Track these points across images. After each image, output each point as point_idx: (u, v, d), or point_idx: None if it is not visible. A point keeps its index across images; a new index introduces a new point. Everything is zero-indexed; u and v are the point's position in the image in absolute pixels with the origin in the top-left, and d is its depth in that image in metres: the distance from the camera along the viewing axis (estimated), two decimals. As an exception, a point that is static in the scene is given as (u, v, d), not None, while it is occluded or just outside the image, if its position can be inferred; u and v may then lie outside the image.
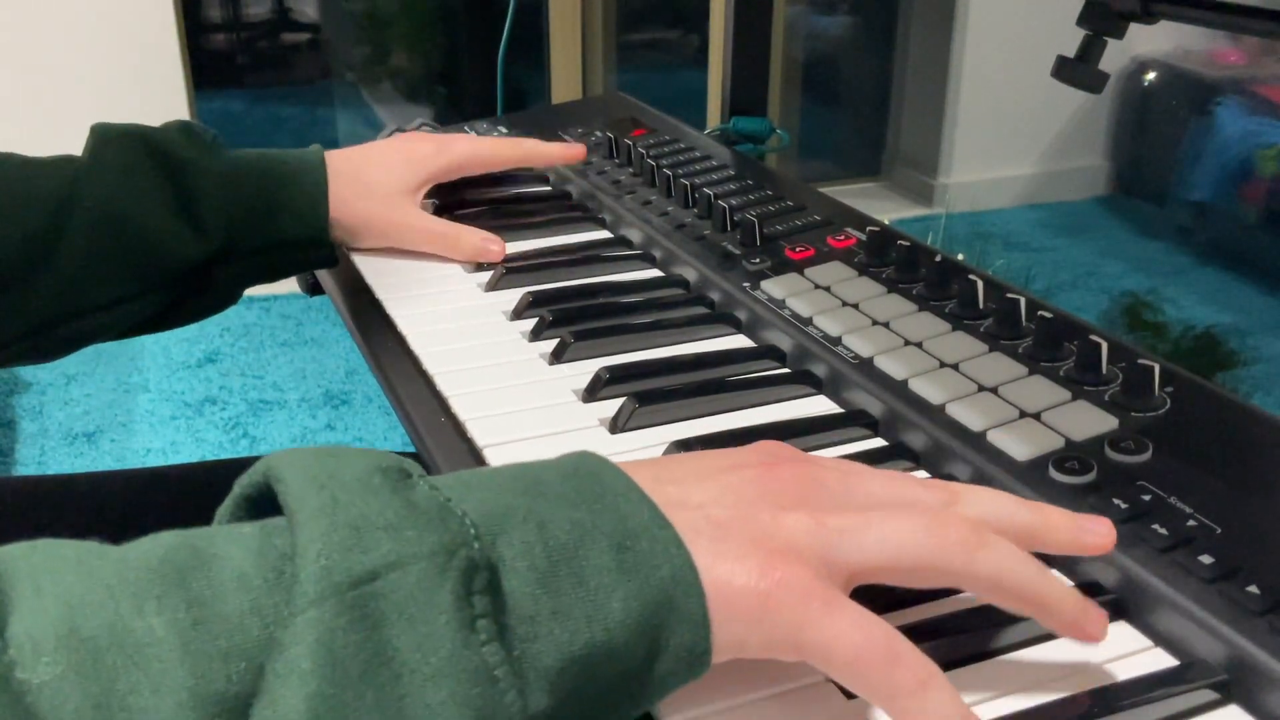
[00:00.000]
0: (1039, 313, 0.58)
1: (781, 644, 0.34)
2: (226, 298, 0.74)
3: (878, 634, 0.34)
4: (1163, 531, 0.43)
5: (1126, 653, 0.41)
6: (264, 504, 0.33)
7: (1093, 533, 0.40)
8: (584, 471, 0.36)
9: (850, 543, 0.36)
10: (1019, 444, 0.50)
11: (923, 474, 0.52)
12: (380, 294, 0.72)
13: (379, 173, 0.76)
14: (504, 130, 0.99)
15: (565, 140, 0.94)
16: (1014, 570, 0.37)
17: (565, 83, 2.52)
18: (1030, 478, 0.48)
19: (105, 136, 0.68)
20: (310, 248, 0.73)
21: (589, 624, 0.32)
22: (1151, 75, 3.10)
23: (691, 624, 0.34)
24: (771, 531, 0.36)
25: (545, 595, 0.32)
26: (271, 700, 0.28)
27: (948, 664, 0.39)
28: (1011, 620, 0.40)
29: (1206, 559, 0.42)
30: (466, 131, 0.99)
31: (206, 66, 3.03)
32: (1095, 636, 0.38)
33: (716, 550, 0.35)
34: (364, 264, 0.76)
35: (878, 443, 0.55)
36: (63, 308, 0.66)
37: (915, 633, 0.36)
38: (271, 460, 0.33)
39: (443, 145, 0.79)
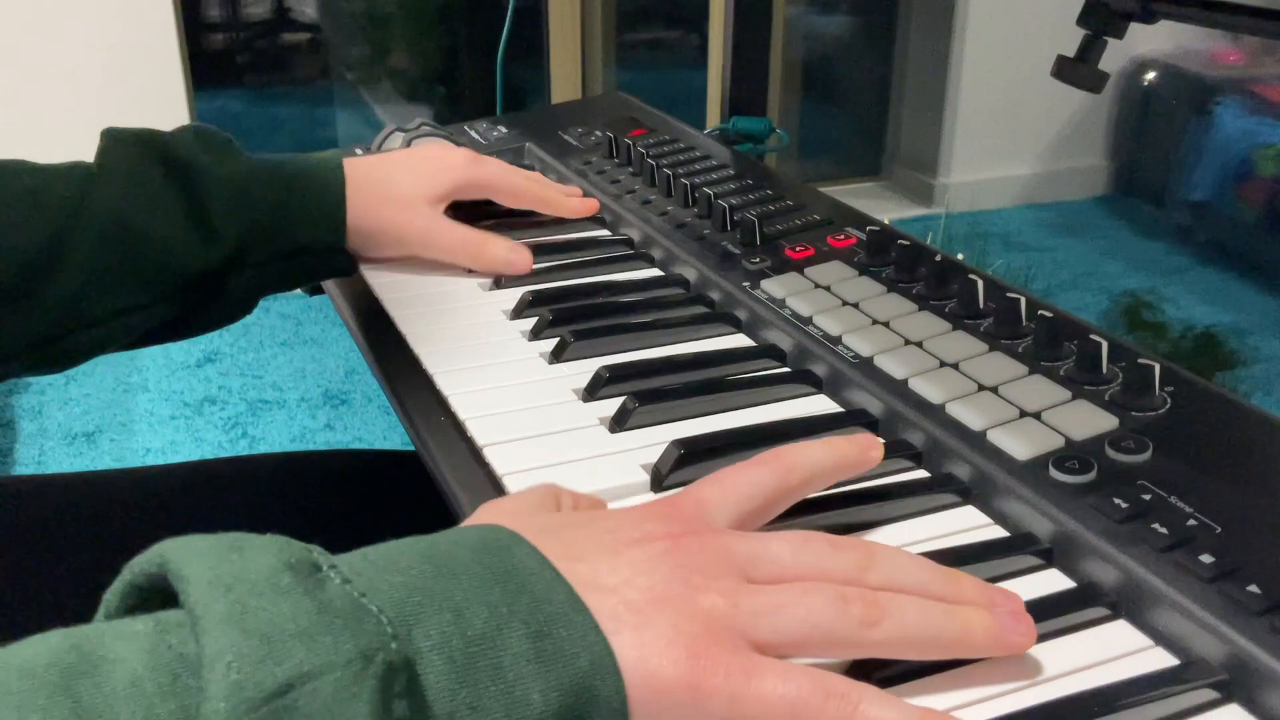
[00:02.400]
0: (1039, 312, 0.58)
1: None
2: (241, 307, 0.71)
3: (804, 682, 0.35)
4: (1162, 531, 0.43)
5: (1126, 652, 0.41)
6: (156, 589, 0.31)
7: (1014, 631, 0.39)
8: (495, 546, 0.35)
9: (764, 625, 0.37)
10: (1019, 443, 0.50)
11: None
12: (380, 293, 0.72)
13: (401, 178, 0.73)
14: (503, 130, 0.99)
15: (562, 154, 0.94)
16: (920, 628, 0.37)
17: (565, 82, 2.52)
18: (1030, 477, 0.48)
19: (115, 141, 0.66)
20: (327, 255, 0.71)
21: (507, 717, 0.32)
22: (1151, 75, 3.10)
23: (610, 712, 0.33)
24: (689, 613, 0.36)
25: (463, 690, 0.31)
26: None
27: (947, 665, 0.39)
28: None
29: (1206, 558, 0.42)
30: (467, 131, 0.99)
31: (206, 66, 3.03)
32: (1022, 647, 0.39)
33: (641, 641, 0.35)
34: (364, 263, 0.76)
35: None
36: (72, 317, 0.64)
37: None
38: (168, 552, 0.31)
39: (475, 159, 0.76)
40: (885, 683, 0.38)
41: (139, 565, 0.31)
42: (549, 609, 0.34)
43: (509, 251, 0.73)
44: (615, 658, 0.34)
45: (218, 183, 0.67)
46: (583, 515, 0.41)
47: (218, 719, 0.27)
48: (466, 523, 0.40)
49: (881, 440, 0.48)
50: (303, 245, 0.69)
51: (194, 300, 0.68)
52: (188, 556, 0.30)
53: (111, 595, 0.32)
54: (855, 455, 0.46)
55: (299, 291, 0.83)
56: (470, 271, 0.74)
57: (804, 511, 0.46)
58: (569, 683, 0.33)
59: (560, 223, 0.82)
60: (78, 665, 0.28)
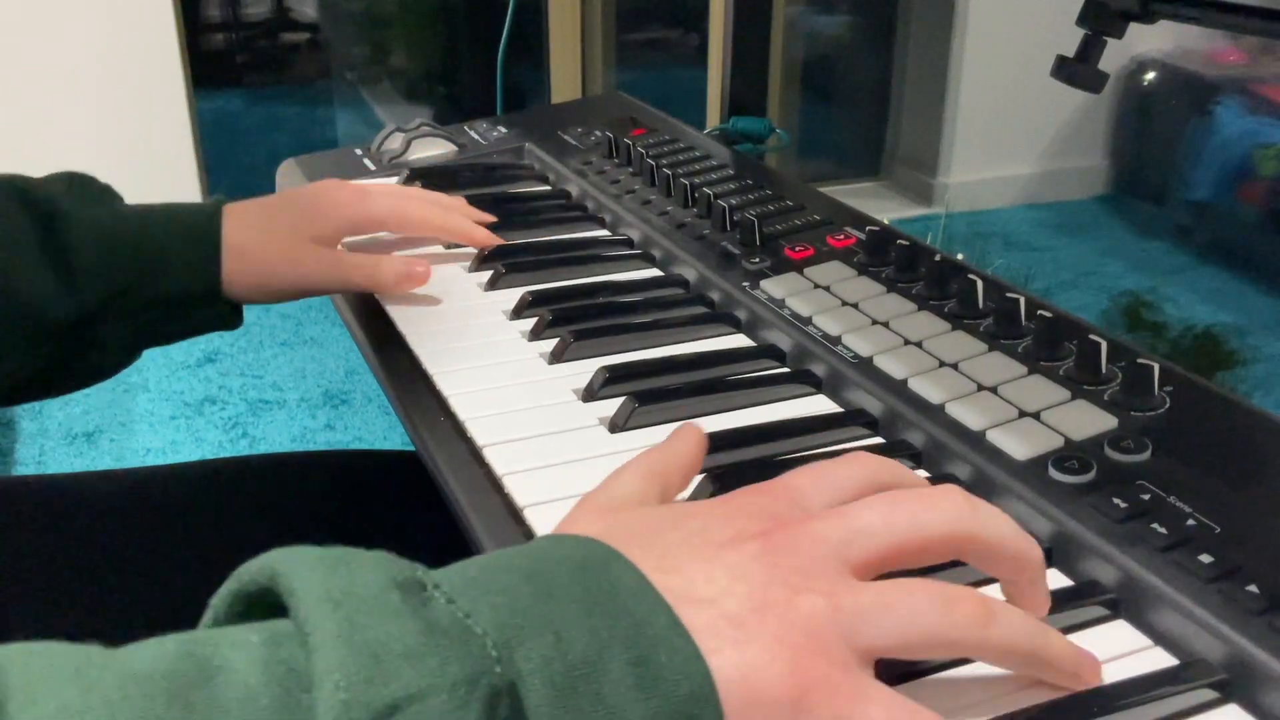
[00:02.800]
0: (1038, 312, 0.58)
1: None
2: (116, 362, 0.69)
3: (906, 716, 0.34)
4: (1162, 531, 0.44)
5: (1126, 652, 0.41)
6: (262, 596, 0.32)
7: (1090, 665, 0.39)
8: (592, 563, 0.35)
9: (867, 626, 0.36)
10: (1018, 443, 0.50)
11: (923, 473, 0.52)
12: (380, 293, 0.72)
13: (283, 220, 0.70)
14: (503, 130, 0.99)
15: (562, 154, 0.94)
16: (1022, 639, 0.37)
17: (565, 82, 2.52)
18: (1030, 477, 0.48)
19: None
20: (203, 304, 0.68)
21: None
22: (1151, 75, 3.10)
23: None
24: (790, 620, 0.35)
25: (565, 715, 0.31)
26: None
27: (948, 664, 0.39)
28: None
29: (1206, 558, 0.42)
30: (467, 131, 0.99)
31: (206, 66, 3.03)
32: (1092, 683, 0.39)
33: (743, 659, 0.34)
34: (363, 263, 0.76)
35: (877, 441, 0.55)
36: None
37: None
38: (278, 564, 0.31)
39: (360, 196, 0.73)
40: (890, 683, 0.38)
41: (247, 574, 0.32)
42: (649, 633, 0.33)
43: (406, 265, 0.70)
44: (715, 685, 0.33)
45: (83, 228, 0.65)
46: (674, 514, 0.40)
47: None
48: (565, 522, 0.41)
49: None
50: (175, 295, 0.67)
51: (63, 351, 0.66)
52: (297, 569, 0.31)
53: (219, 601, 0.32)
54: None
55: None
56: (472, 270, 0.75)
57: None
58: (669, 711, 0.32)
59: (560, 222, 0.82)
60: (193, 675, 0.28)
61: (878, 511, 0.38)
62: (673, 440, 0.45)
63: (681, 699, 0.33)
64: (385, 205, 0.73)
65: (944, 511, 0.38)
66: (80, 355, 0.66)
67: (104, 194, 0.68)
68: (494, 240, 0.76)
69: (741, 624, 0.35)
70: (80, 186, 0.67)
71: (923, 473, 0.52)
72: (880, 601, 0.36)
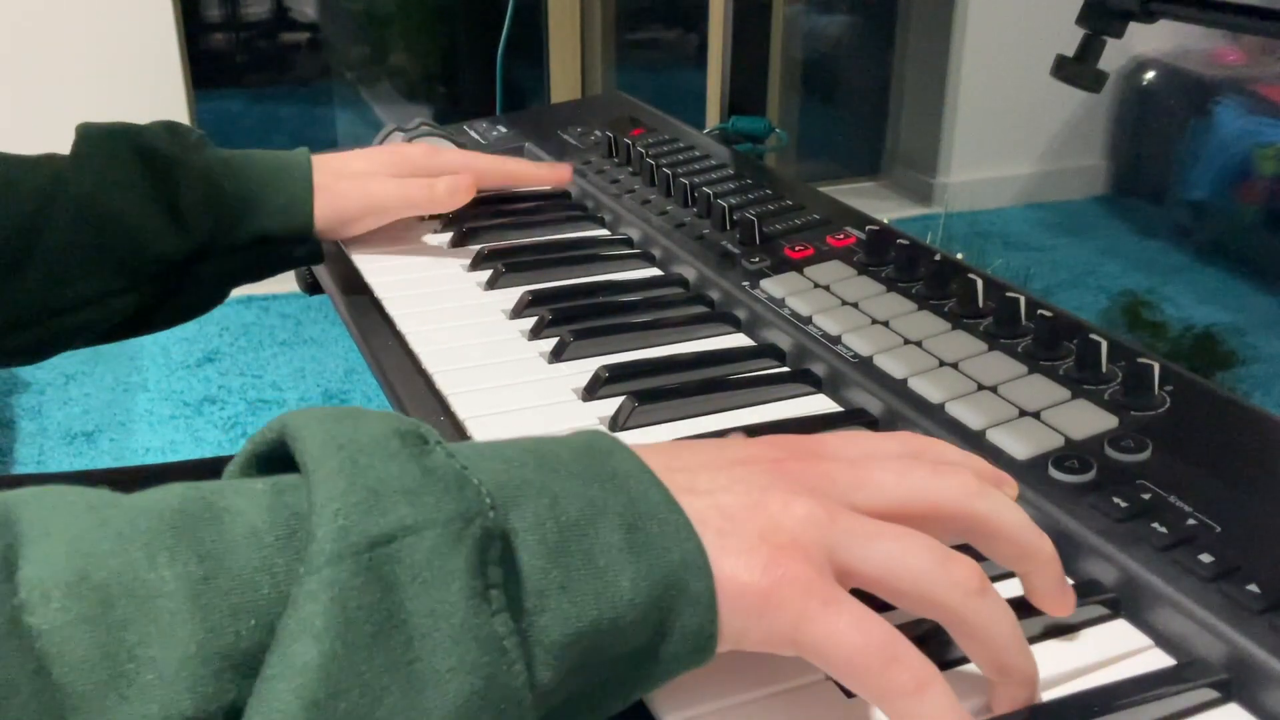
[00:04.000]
0: (1038, 311, 0.58)
1: (780, 639, 0.35)
2: (212, 296, 0.74)
3: (876, 634, 0.34)
4: (1162, 530, 0.43)
5: (1126, 652, 0.41)
6: (275, 461, 0.33)
7: (1068, 595, 0.40)
8: (597, 450, 0.37)
9: (856, 545, 0.36)
10: (1018, 443, 0.50)
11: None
12: (379, 293, 0.72)
13: (362, 163, 0.77)
14: (503, 129, 0.99)
15: (561, 154, 0.94)
16: (998, 632, 0.36)
17: (564, 82, 2.52)
18: (1030, 476, 0.48)
19: (89, 134, 0.69)
20: (294, 243, 0.73)
21: (597, 601, 0.32)
22: (1150, 74, 3.10)
23: (699, 607, 0.34)
24: (780, 521, 0.36)
25: (555, 570, 0.32)
26: (284, 655, 0.28)
27: (948, 662, 0.39)
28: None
29: (1206, 558, 0.42)
30: (466, 131, 0.99)
31: (206, 66, 3.03)
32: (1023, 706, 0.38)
33: (723, 544, 0.35)
34: (363, 262, 0.76)
35: (877, 442, 0.55)
36: (45, 303, 0.66)
37: (914, 630, 0.36)
38: (287, 419, 0.33)
39: (433, 151, 0.80)
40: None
41: (259, 435, 0.33)
42: (642, 506, 0.35)
43: (455, 180, 0.77)
44: (707, 555, 0.34)
45: (189, 172, 0.69)
46: (693, 440, 0.42)
47: (322, 558, 0.29)
48: None
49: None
50: (270, 233, 0.72)
51: (165, 288, 0.71)
52: (306, 420, 0.32)
53: (233, 466, 0.34)
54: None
55: (299, 291, 0.84)
56: (471, 269, 0.75)
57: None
58: (660, 574, 0.34)
59: (560, 221, 0.82)
60: (202, 513, 0.30)
61: (891, 469, 0.39)
62: None
63: (672, 564, 0.34)
64: (456, 156, 0.81)
65: (954, 485, 0.39)
66: (177, 293, 0.72)
67: (201, 140, 0.73)
68: (568, 172, 0.84)
69: (731, 516, 0.36)
70: (181, 134, 0.72)
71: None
72: (878, 529, 0.37)
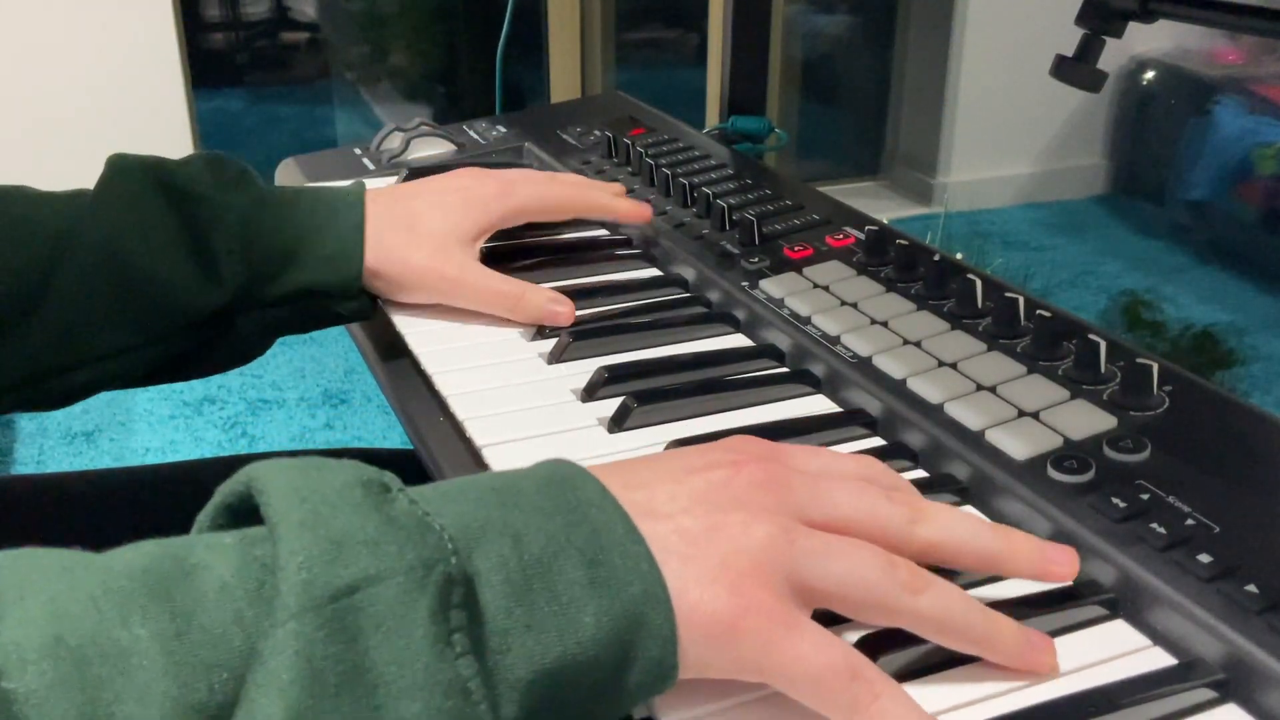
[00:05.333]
0: (1037, 312, 0.58)
1: (748, 667, 0.36)
2: (252, 349, 0.67)
3: (837, 655, 0.35)
4: (1161, 530, 0.44)
5: (1125, 651, 0.41)
6: (244, 512, 0.33)
7: (1056, 562, 0.41)
8: (558, 479, 0.37)
9: (813, 565, 0.37)
10: (1017, 443, 0.50)
11: (921, 472, 0.52)
12: (379, 293, 0.72)
13: (432, 217, 0.67)
14: (502, 129, 0.99)
15: (561, 154, 0.94)
16: (957, 613, 0.38)
17: (564, 81, 2.52)
18: (1029, 477, 0.48)
19: (117, 169, 0.62)
20: (341, 299, 0.65)
21: (560, 637, 0.33)
22: (1150, 74, 3.10)
23: (660, 640, 0.35)
24: (741, 545, 0.37)
25: (518, 609, 0.33)
26: (250, 711, 0.28)
27: (948, 663, 0.39)
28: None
29: (1205, 558, 0.42)
30: (466, 131, 0.99)
31: (205, 65, 3.03)
32: (1043, 668, 0.39)
33: (686, 573, 0.36)
34: (363, 263, 0.76)
35: (876, 442, 0.55)
36: (62, 354, 0.60)
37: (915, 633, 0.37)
38: (253, 471, 0.33)
39: (507, 188, 0.71)
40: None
41: (228, 486, 0.33)
42: (604, 538, 0.35)
43: (550, 303, 0.66)
44: (667, 588, 0.35)
45: (225, 214, 0.62)
46: (656, 454, 0.42)
47: (286, 612, 0.29)
48: None
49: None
50: (315, 287, 0.64)
51: (198, 341, 0.64)
52: (271, 472, 0.33)
53: (203, 517, 0.34)
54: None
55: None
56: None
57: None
58: (620, 609, 0.34)
59: (559, 222, 0.82)
60: (173, 571, 0.30)
61: (847, 488, 0.40)
62: None
63: (633, 598, 0.34)
64: (530, 194, 0.72)
65: (897, 513, 0.40)
66: (216, 343, 0.65)
67: (242, 177, 0.65)
68: (646, 210, 0.75)
69: (694, 541, 0.37)
70: (218, 169, 0.64)
71: (921, 473, 0.52)
72: (828, 546, 0.38)
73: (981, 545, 0.40)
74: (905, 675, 0.39)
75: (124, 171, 0.62)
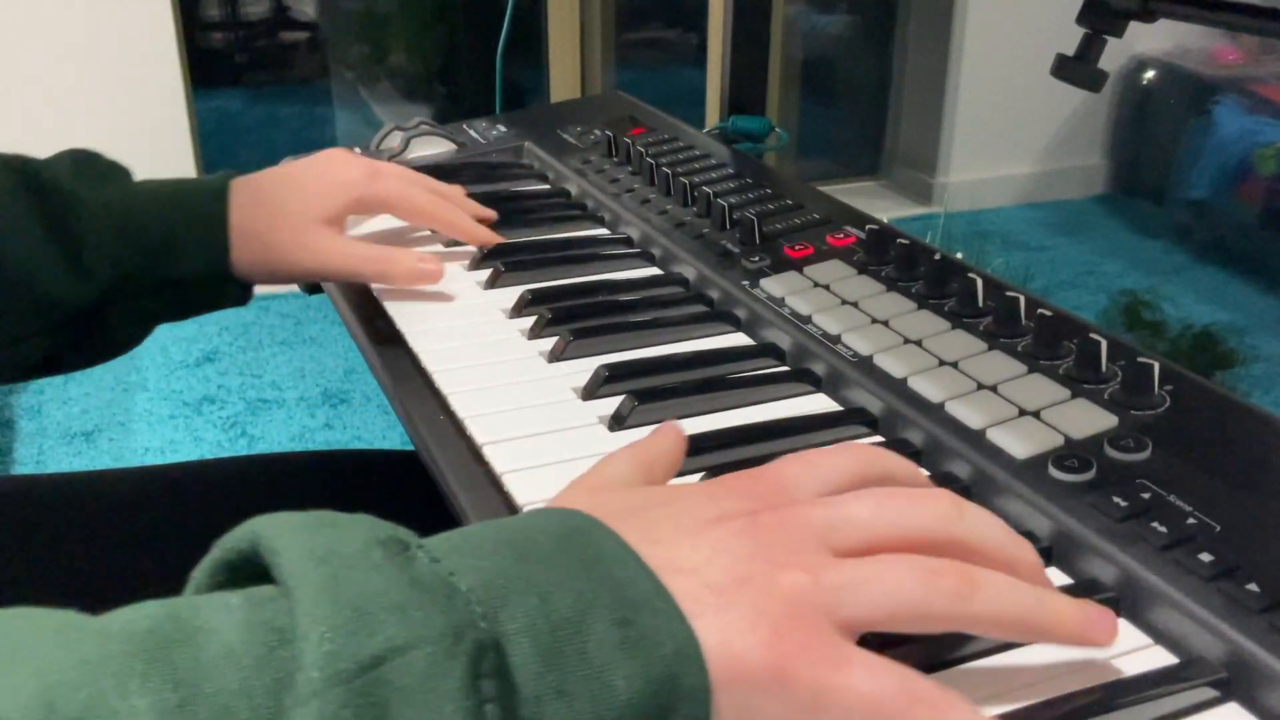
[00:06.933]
0: (1038, 311, 0.58)
1: (800, 712, 0.34)
2: (127, 339, 0.69)
3: (892, 681, 0.34)
4: (1162, 529, 0.43)
5: (1126, 650, 0.41)
6: (244, 569, 0.32)
7: (1100, 621, 0.39)
8: (574, 531, 0.35)
9: (849, 600, 0.36)
10: (1018, 442, 0.50)
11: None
12: (379, 292, 0.72)
13: (292, 199, 0.69)
14: (502, 129, 0.99)
15: (561, 153, 0.94)
16: (1011, 606, 0.37)
17: (564, 81, 2.52)
18: (1029, 476, 0.48)
19: None
20: (212, 285, 0.68)
21: (593, 702, 0.31)
22: (1150, 74, 3.10)
23: (694, 700, 0.33)
24: (771, 592, 0.35)
25: (550, 674, 0.31)
26: None
27: (948, 663, 0.39)
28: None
29: (1206, 557, 0.42)
30: (466, 130, 0.99)
31: (205, 65, 3.03)
32: (1104, 641, 0.38)
33: (724, 624, 0.34)
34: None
35: (877, 440, 0.55)
36: None
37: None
38: (259, 528, 0.31)
39: (372, 175, 0.72)
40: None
41: (229, 542, 0.32)
42: (633, 595, 0.33)
43: (420, 262, 0.69)
44: (699, 645, 0.33)
45: (91, 210, 0.64)
46: (661, 493, 0.40)
47: (311, 688, 0.27)
48: (554, 500, 0.40)
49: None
50: (185, 275, 0.67)
51: (71, 335, 0.66)
52: (280, 531, 0.31)
53: (200, 573, 0.32)
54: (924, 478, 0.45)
55: (298, 290, 0.83)
56: (471, 269, 0.74)
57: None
58: (654, 670, 0.32)
59: (559, 220, 0.82)
60: (174, 635, 0.28)
61: (866, 504, 0.38)
62: (656, 435, 0.45)
63: (666, 659, 0.33)
64: (394, 189, 0.72)
65: (931, 512, 0.38)
66: (90, 337, 0.67)
67: (110, 171, 0.67)
68: (494, 239, 0.76)
69: (723, 592, 0.35)
70: (86, 165, 0.67)
71: (922, 471, 0.52)
72: (861, 575, 0.36)
73: (1018, 554, 0.39)
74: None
75: None
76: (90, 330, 0.66)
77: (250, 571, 0.31)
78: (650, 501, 0.39)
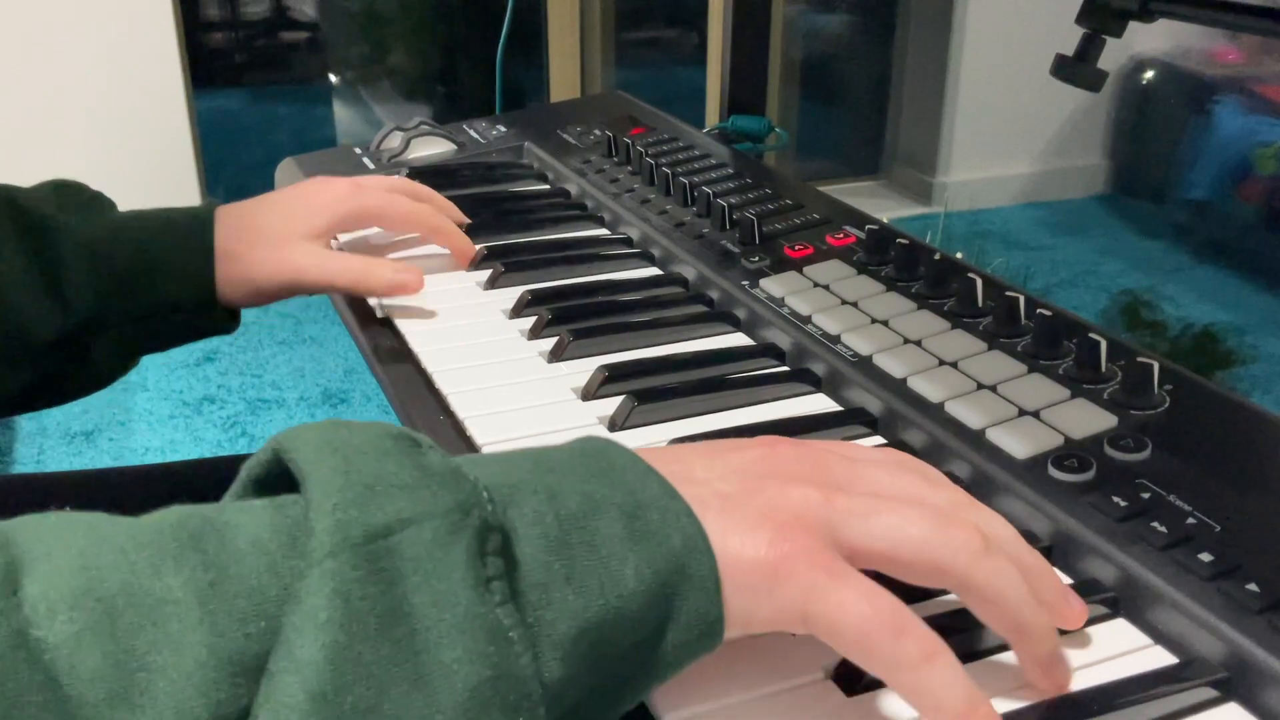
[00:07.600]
0: (1038, 311, 0.58)
1: (790, 615, 0.34)
2: (111, 370, 0.68)
3: (884, 606, 0.34)
4: (1162, 529, 0.44)
5: (1126, 650, 0.41)
6: (272, 488, 0.33)
7: (1071, 609, 0.40)
8: (591, 449, 0.37)
9: (856, 523, 0.36)
10: (1018, 442, 0.50)
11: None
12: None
13: (274, 218, 0.69)
14: (502, 129, 0.99)
15: (561, 153, 0.94)
16: (1009, 589, 0.36)
17: (564, 81, 2.52)
18: (1029, 476, 0.48)
19: None
20: (198, 311, 0.67)
21: (602, 591, 0.32)
22: (1150, 74, 3.10)
23: (703, 590, 0.34)
24: (779, 503, 0.36)
25: (558, 562, 0.32)
26: (289, 650, 0.28)
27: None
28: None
29: (1206, 557, 0.42)
30: (466, 130, 0.99)
31: (205, 65, 3.03)
32: (1059, 688, 0.38)
33: (725, 523, 0.35)
34: (363, 262, 0.76)
35: (877, 441, 0.55)
36: None
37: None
38: (280, 437, 0.33)
39: (355, 191, 0.71)
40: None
41: (254, 460, 0.33)
42: (641, 495, 0.35)
43: (396, 273, 0.68)
44: (707, 537, 0.34)
45: (72, 239, 0.64)
46: (695, 443, 0.42)
47: (321, 551, 0.29)
48: None
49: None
50: (170, 302, 0.66)
51: (55, 367, 0.65)
52: (298, 433, 0.33)
53: (229, 496, 0.34)
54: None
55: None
56: (471, 269, 0.74)
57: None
58: (662, 560, 0.34)
59: (559, 221, 0.82)
60: (202, 528, 0.30)
61: (887, 470, 0.39)
62: None
63: (674, 550, 0.34)
64: (376, 200, 0.72)
65: (949, 498, 0.39)
66: (73, 368, 0.66)
67: (93, 202, 0.67)
68: (474, 249, 0.75)
69: (730, 498, 0.36)
70: (68, 195, 0.66)
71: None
72: (875, 504, 0.37)
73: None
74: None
75: None
76: (72, 363, 0.66)
77: (278, 491, 0.33)
78: (676, 445, 0.42)
